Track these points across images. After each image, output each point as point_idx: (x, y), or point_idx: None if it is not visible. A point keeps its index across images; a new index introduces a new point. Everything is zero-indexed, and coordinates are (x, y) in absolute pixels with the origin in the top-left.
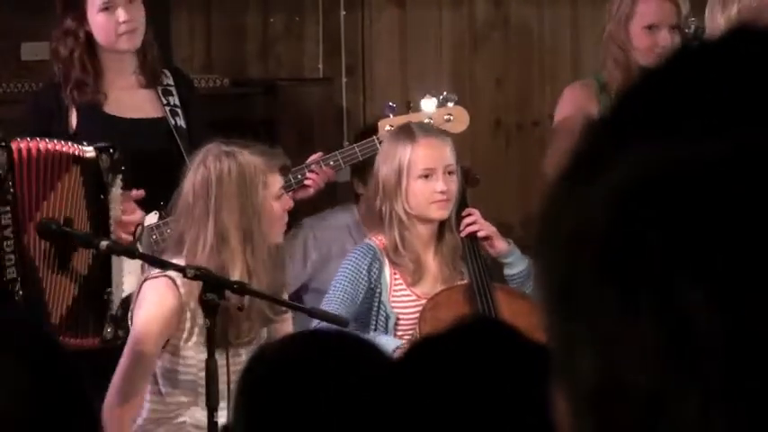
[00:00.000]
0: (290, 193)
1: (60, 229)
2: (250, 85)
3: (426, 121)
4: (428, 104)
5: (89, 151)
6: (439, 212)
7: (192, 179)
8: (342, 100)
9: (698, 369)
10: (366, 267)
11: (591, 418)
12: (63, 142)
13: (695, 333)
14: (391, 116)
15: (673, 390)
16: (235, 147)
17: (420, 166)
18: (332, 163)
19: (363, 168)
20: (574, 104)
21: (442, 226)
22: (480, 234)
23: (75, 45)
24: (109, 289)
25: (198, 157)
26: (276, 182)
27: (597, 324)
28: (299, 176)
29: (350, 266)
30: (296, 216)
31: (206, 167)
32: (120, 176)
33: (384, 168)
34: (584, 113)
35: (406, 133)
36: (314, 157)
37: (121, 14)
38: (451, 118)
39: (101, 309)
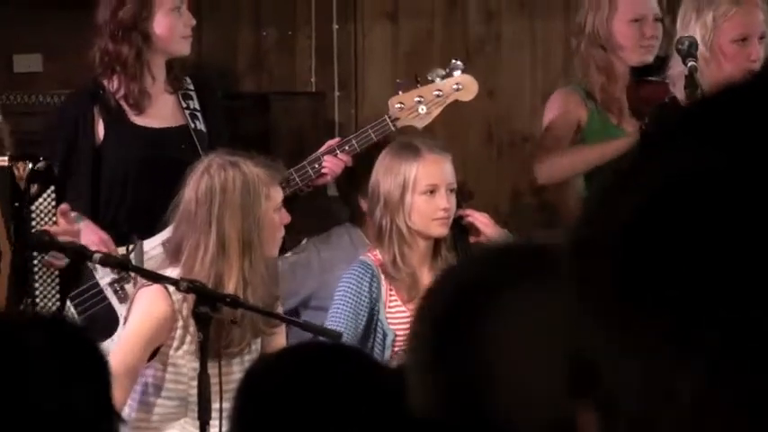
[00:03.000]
0: (310, 182)
1: (54, 242)
2: (242, 98)
3: (435, 92)
4: (436, 76)
5: (2, 160)
6: (439, 230)
7: (194, 187)
8: (334, 114)
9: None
10: (367, 287)
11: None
12: None
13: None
14: (401, 93)
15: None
16: (239, 157)
17: (425, 182)
18: (347, 148)
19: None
20: (562, 108)
21: (438, 242)
22: (477, 224)
23: (132, 45)
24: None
25: (201, 165)
26: (277, 194)
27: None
28: (317, 166)
29: (351, 286)
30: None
31: (210, 176)
32: (51, 189)
33: (386, 182)
34: (573, 118)
35: (411, 148)
36: (329, 143)
37: (188, 17)
38: (460, 87)
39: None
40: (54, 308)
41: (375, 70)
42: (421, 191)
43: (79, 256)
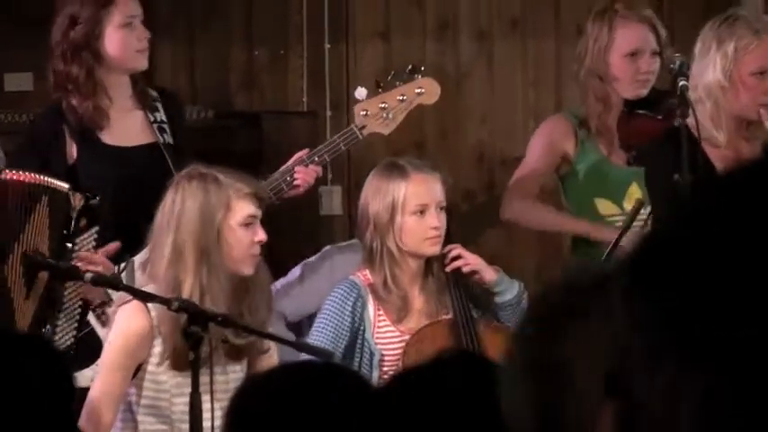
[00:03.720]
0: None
1: (46, 262)
2: (234, 117)
3: (399, 97)
4: (398, 80)
5: (63, 186)
6: (432, 248)
7: (164, 201)
8: (326, 133)
9: None
10: (350, 308)
11: None
12: (39, 176)
13: None
14: (364, 99)
15: None
16: (211, 170)
17: (414, 203)
18: (317, 158)
19: None
20: (548, 141)
21: (429, 261)
22: (466, 269)
23: (82, 64)
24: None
25: (174, 179)
26: (243, 208)
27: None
28: (288, 178)
29: (334, 307)
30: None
31: (176, 189)
32: (95, 229)
33: (375, 204)
34: (558, 151)
35: (398, 169)
36: (298, 154)
37: (141, 31)
38: (423, 90)
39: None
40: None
41: (367, 89)
42: (411, 211)
43: (71, 276)
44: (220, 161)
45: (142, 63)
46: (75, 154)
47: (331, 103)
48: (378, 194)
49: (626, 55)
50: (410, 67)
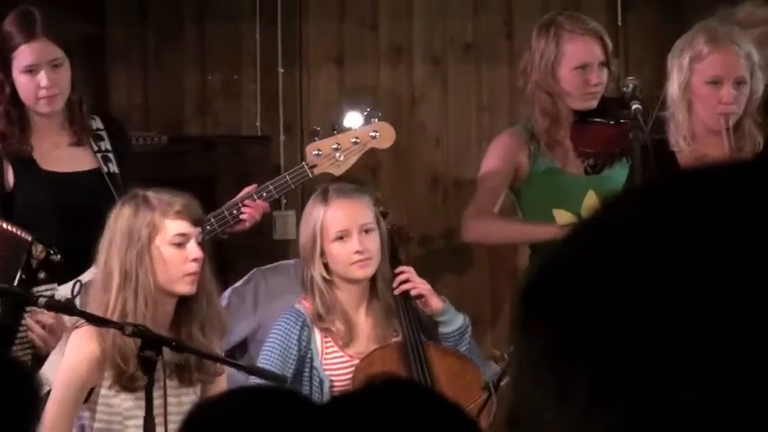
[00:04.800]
0: (228, 227)
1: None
2: (188, 142)
3: (353, 139)
4: (352, 123)
5: (26, 237)
6: (361, 272)
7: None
8: (280, 158)
9: None
10: (296, 336)
11: None
12: (3, 224)
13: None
14: (317, 140)
15: None
16: (149, 191)
17: (333, 230)
18: (265, 194)
19: None
20: (502, 156)
21: (374, 284)
22: (413, 292)
23: (2, 97)
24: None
25: (117, 204)
26: (172, 227)
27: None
28: (235, 212)
29: (280, 336)
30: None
31: (115, 211)
32: (53, 286)
33: (302, 234)
34: (512, 165)
35: (321, 197)
36: (247, 189)
37: (43, 79)
38: (377, 134)
39: None
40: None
41: (320, 114)
42: (332, 238)
43: (24, 301)
44: (174, 186)
45: (45, 109)
46: (11, 181)
47: (284, 128)
48: (304, 225)
49: (575, 68)
50: (367, 110)
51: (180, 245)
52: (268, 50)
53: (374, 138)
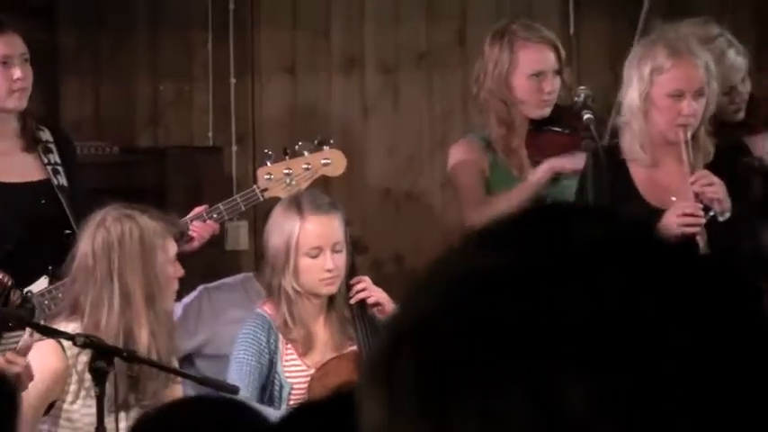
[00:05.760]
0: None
1: None
2: (139, 153)
3: (304, 165)
4: (305, 149)
5: (5, 280)
6: (327, 288)
7: (90, 241)
8: (232, 168)
9: None
10: (265, 338)
11: None
12: None
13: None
14: (269, 164)
15: None
16: (133, 210)
17: (308, 246)
18: (215, 215)
19: None
20: (467, 156)
21: (332, 296)
22: (370, 300)
23: None
24: None
25: (96, 219)
26: (173, 247)
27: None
28: (185, 231)
29: (251, 341)
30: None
31: (106, 229)
32: (24, 334)
33: (273, 241)
34: (481, 166)
35: (296, 207)
36: (197, 209)
37: (17, 71)
38: (329, 161)
39: None
40: None
41: (273, 124)
42: (305, 252)
43: None
44: (126, 197)
45: (16, 104)
46: None
47: (237, 138)
48: (275, 232)
49: (529, 76)
50: (318, 138)
51: (174, 263)
52: (220, 60)
53: (326, 165)
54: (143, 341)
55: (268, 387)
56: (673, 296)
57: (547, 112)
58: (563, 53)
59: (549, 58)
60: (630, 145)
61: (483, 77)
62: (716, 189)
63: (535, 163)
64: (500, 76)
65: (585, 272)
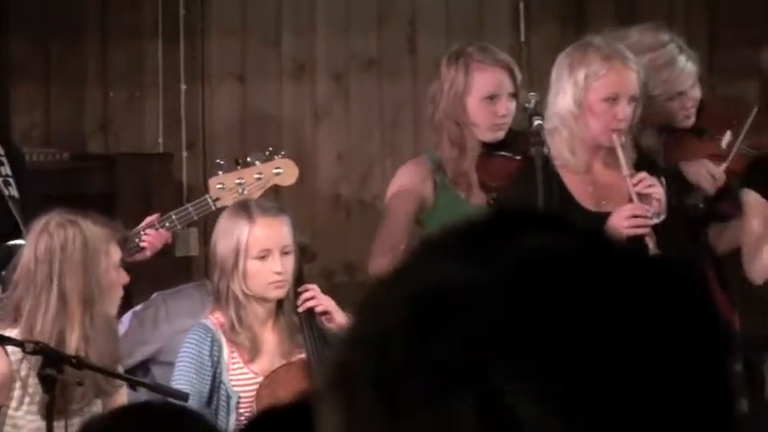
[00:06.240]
0: (129, 256)
1: None
2: (89, 159)
3: (256, 175)
4: (257, 159)
5: None
6: (276, 292)
7: (33, 247)
8: (182, 174)
9: None
10: (208, 352)
11: None
12: None
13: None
14: (221, 173)
15: None
16: (77, 216)
17: (257, 248)
18: (167, 224)
19: None
20: (408, 188)
21: (281, 302)
22: (318, 309)
23: None
24: None
25: (39, 225)
26: (116, 252)
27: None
28: (137, 240)
29: (192, 353)
30: (133, 290)
31: (49, 235)
32: None
33: (221, 245)
34: (419, 195)
35: (245, 211)
36: (149, 218)
37: None
38: (281, 171)
39: None
40: None
41: (222, 131)
42: (253, 256)
43: None
44: (76, 203)
45: None
46: None
47: (187, 145)
48: (224, 236)
49: (483, 99)
50: (271, 148)
51: (117, 269)
52: (170, 67)
53: (277, 174)
54: (72, 345)
55: (214, 398)
56: (632, 297)
57: (500, 135)
58: (519, 76)
59: (503, 81)
60: (560, 151)
61: (438, 98)
62: (658, 190)
63: (483, 187)
64: (455, 97)
65: (545, 280)
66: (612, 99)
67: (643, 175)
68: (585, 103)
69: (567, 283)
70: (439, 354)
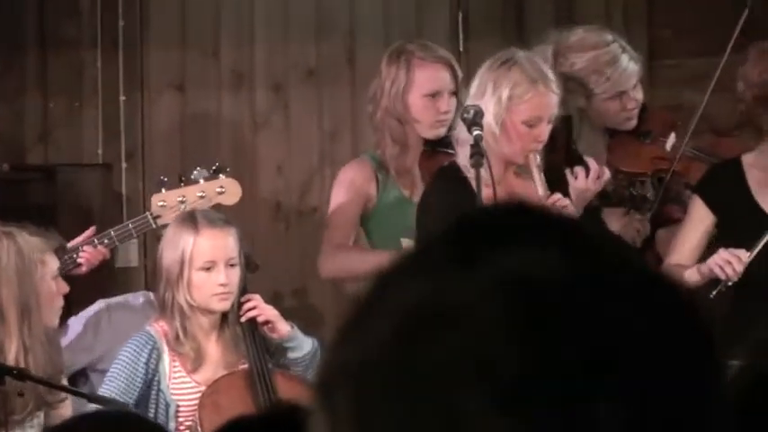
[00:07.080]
0: (67, 271)
1: None
2: (29, 170)
3: (199, 193)
4: (200, 177)
5: None
6: (221, 304)
7: None
8: (121, 185)
9: None
10: (144, 360)
11: None
12: None
13: None
14: (164, 190)
15: None
16: (11, 227)
17: (202, 259)
18: (106, 241)
19: None
20: (350, 188)
21: (225, 313)
22: (260, 319)
23: None
24: None
25: None
26: (53, 262)
27: None
28: (74, 256)
29: (128, 356)
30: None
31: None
32: None
33: (167, 256)
34: (362, 196)
35: (191, 222)
36: (87, 233)
37: None
38: (224, 190)
39: None
40: None
41: (162, 141)
42: (198, 267)
43: None
44: (15, 214)
45: None
46: None
47: (126, 156)
48: (170, 247)
49: (425, 95)
50: (215, 165)
51: (56, 278)
52: (109, 77)
53: (220, 193)
54: (11, 356)
55: (151, 406)
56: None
57: (442, 132)
58: (459, 73)
59: (444, 78)
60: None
61: (379, 95)
62: (571, 210)
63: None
64: (396, 94)
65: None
66: (535, 123)
67: (558, 195)
68: (507, 123)
69: (550, 296)
70: (423, 372)
